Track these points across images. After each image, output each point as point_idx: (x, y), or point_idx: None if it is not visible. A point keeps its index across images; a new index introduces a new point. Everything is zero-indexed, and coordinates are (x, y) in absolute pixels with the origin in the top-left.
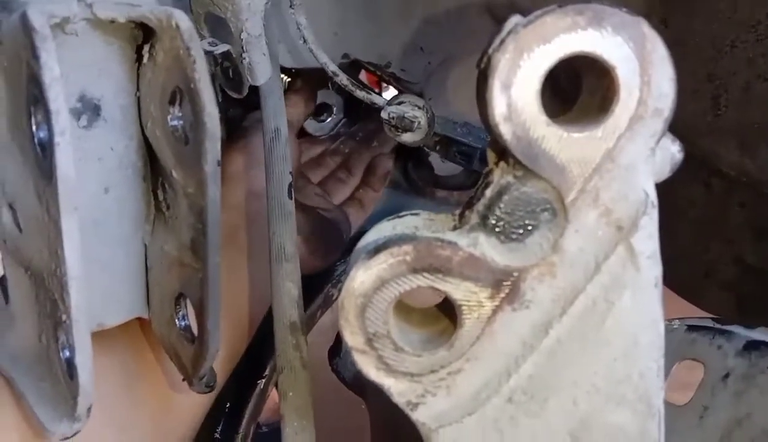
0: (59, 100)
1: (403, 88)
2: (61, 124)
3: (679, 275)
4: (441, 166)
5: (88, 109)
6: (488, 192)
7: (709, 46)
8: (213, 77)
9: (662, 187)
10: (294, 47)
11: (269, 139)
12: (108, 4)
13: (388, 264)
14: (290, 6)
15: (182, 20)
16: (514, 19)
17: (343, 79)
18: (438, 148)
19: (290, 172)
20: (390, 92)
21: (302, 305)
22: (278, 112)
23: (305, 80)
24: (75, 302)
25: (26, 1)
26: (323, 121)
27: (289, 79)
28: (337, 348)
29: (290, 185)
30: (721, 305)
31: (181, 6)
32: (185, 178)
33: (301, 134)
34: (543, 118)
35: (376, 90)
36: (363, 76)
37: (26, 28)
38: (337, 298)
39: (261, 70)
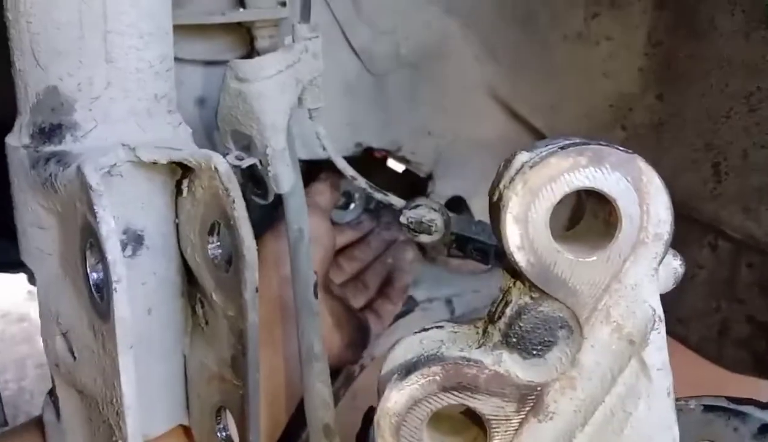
0: (115, 251)
1: (413, 169)
2: (118, 272)
3: (695, 334)
4: None
5: (133, 240)
6: (508, 311)
7: (705, 118)
8: (241, 187)
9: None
10: (308, 141)
11: (294, 240)
12: (150, 148)
13: (419, 384)
14: (309, 117)
15: (221, 164)
16: (521, 158)
17: (361, 182)
18: (455, 246)
19: (315, 272)
20: (393, 163)
21: (333, 405)
22: (301, 214)
23: (330, 169)
24: (131, 430)
25: (79, 154)
26: (346, 208)
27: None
28: (365, 434)
29: (315, 285)
30: (737, 363)
31: (210, 123)
32: (225, 302)
33: None
34: (554, 246)
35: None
36: None
37: (83, 184)
38: (359, 374)
39: (285, 180)
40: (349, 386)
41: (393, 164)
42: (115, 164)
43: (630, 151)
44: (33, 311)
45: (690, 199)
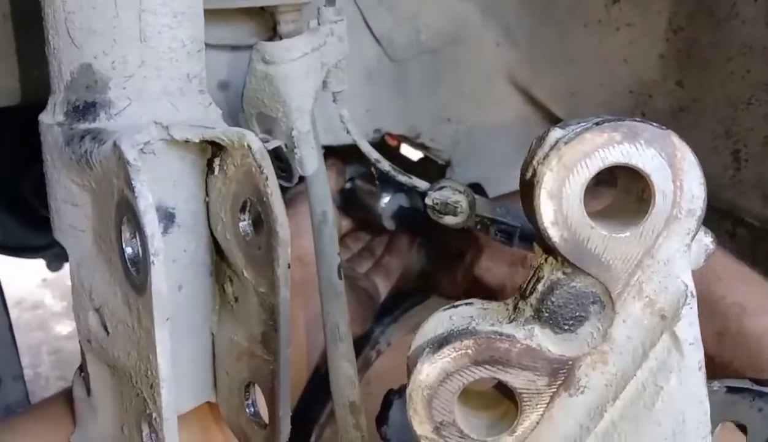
0: (153, 225)
1: (432, 156)
2: (156, 245)
3: None
4: None
5: (164, 218)
6: (540, 286)
7: (726, 105)
8: None
9: None
10: (330, 125)
11: (318, 222)
12: (183, 126)
13: (451, 358)
14: (333, 100)
15: (254, 142)
16: (555, 134)
17: (385, 165)
18: (479, 227)
19: (338, 254)
20: (406, 149)
21: (358, 384)
22: (325, 198)
23: (336, 155)
24: (166, 402)
25: (114, 131)
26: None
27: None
28: (384, 415)
29: (339, 266)
30: None
31: (233, 107)
32: (257, 279)
33: None
34: (587, 221)
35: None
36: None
37: (120, 160)
38: (375, 359)
39: (310, 162)
40: (366, 370)
41: (407, 151)
42: (148, 142)
43: (664, 127)
44: (47, 298)
45: (709, 186)
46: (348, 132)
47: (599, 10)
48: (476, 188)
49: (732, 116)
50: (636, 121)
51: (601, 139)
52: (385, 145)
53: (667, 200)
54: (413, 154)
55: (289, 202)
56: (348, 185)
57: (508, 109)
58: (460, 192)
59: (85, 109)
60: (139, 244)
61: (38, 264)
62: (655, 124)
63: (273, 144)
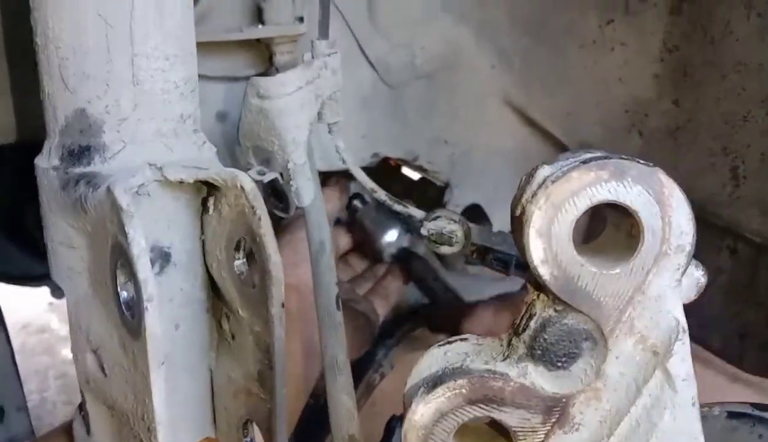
0: (147, 270)
1: (430, 178)
2: (149, 291)
3: (716, 339)
4: None
5: (160, 257)
6: (532, 324)
7: (722, 122)
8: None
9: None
10: (325, 152)
11: (315, 252)
12: (177, 167)
13: (445, 397)
14: (329, 132)
15: (246, 182)
16: (543, 172)
17: (381, 195)
18: (475, 256)
19: (336, 284)
20: (408, 172)
21: (357, 416)
22: (322, 227)
23: (340, 172)
24: None
25: (108, 175)
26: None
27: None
28: None
29: (337, 296)
30: (761, 367)
31: (231, 138)
32: (251, 317)
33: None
34: (577, 259)
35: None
36: None
37: (114, 205)
38: (378, 383)
39: (306, 193)
40: (369, 395)
41: (408, 172)
42: (142, 184)
43: (650, 164)
44: (53, 322)
45: (708, 203)
46: (344, 162)
47: (593, 31)
48: (476, 209)
49: (729, 133)
50: (623, 158)
51: (588, 178)
52: (387, 166)
53: (656, 237)
54: (414, 174)
55: (286, 228)
56: (355, 202)
57: (504, 130)
58: (455, 221)
59: (79, 153)
60: (133, 288)
61: (44, 288)
62: (642, 161)
63: (269, 176)
